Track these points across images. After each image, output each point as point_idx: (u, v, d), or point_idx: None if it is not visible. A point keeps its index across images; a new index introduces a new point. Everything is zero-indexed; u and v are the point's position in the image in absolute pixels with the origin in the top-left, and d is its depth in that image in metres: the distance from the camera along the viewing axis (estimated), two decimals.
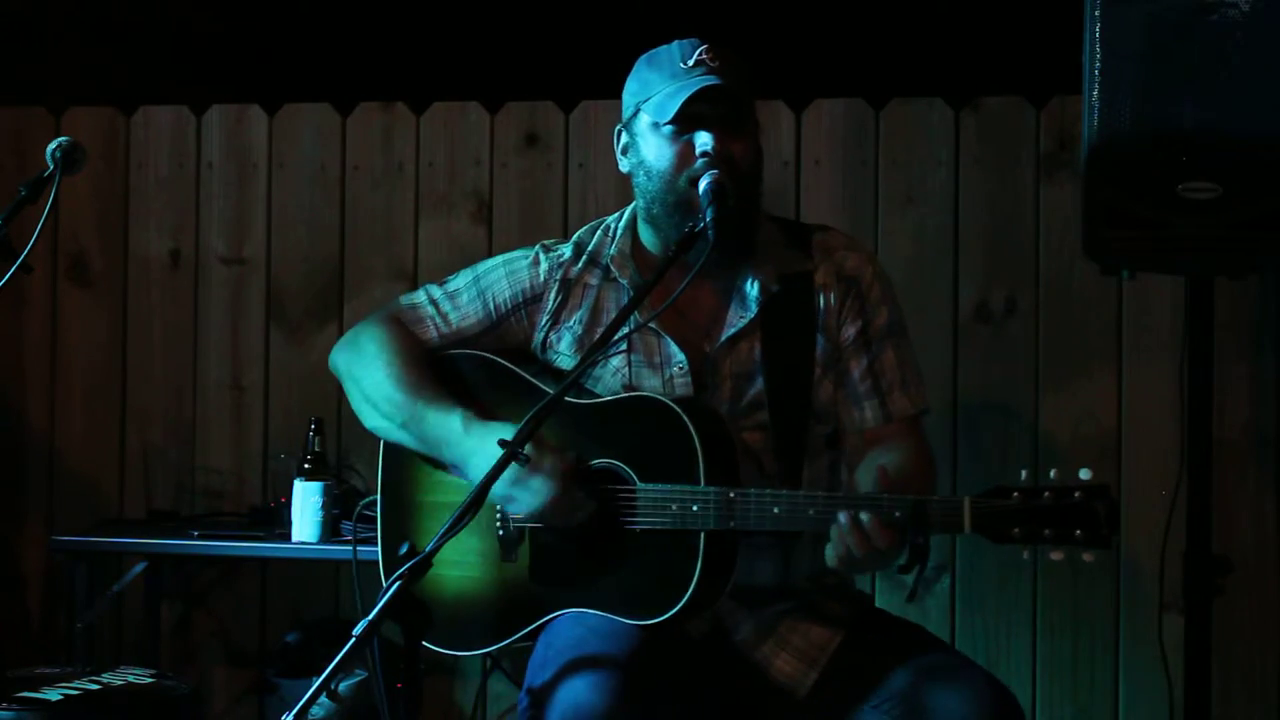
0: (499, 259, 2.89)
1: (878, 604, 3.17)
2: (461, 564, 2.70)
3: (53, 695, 3.00)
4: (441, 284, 2.89)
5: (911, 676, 2.54)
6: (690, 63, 2.67)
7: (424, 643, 2.56)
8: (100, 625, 3.90)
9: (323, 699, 2.27)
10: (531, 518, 2.63)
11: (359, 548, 2.88)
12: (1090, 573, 3.77)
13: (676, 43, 2.73)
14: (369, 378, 2.80)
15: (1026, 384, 3.82)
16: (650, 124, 2.70)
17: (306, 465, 3.62)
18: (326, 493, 3.60)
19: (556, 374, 2.77)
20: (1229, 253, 3.12)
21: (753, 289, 2.72)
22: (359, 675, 3.54)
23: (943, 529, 2.40)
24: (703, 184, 2.61)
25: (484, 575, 2.71)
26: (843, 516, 2.41)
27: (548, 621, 2.63)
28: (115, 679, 3.14)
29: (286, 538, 3.63)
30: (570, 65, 4.05)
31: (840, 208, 3.86)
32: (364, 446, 4.05)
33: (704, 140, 2.64)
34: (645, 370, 2.73)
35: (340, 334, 4.06)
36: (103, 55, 4.23)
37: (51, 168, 2.77)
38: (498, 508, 2.68)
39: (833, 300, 2.73)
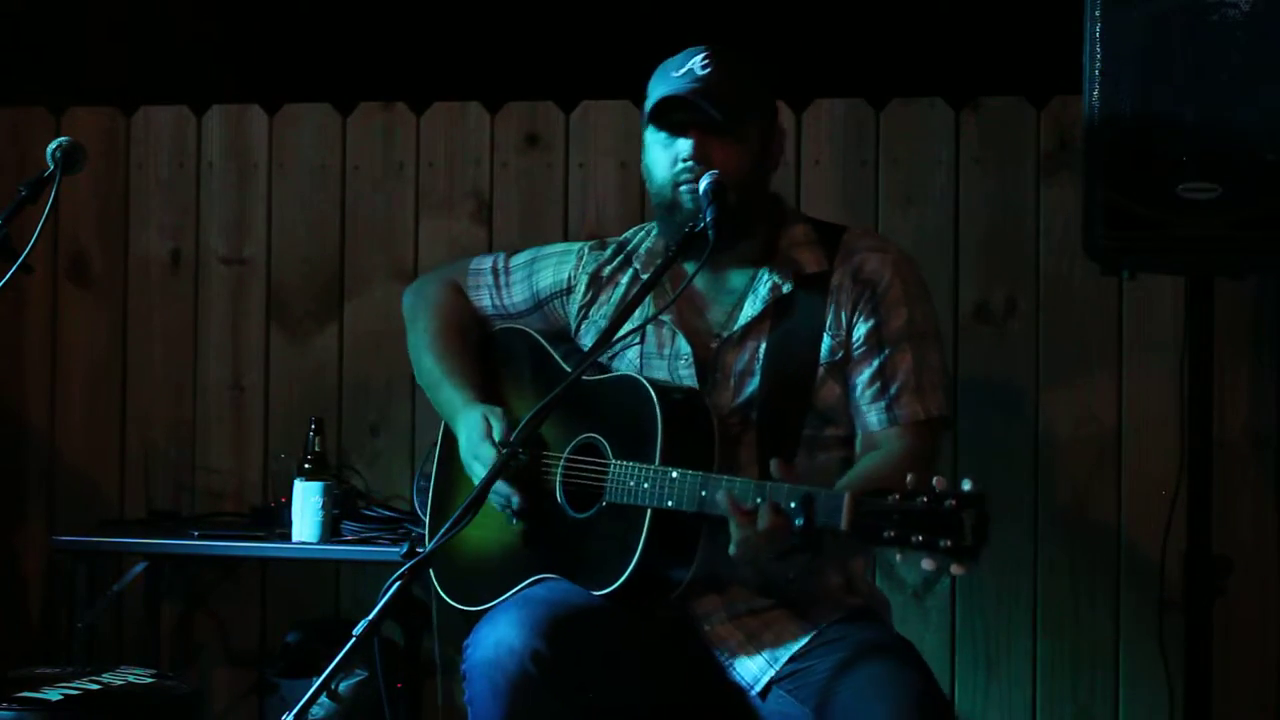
0: (559, 247, 3.03)
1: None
2: (482, 523, 2.78)
3: (53, 695, 3.00)
4: (510, 255, 3.04)
5: (843, 678, 2.54)
6: (680, 71, 2.73)
7: (443, 594, 2.84)
8: (100, 625, 3.90)
9: (323, 699, 2.27)
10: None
11: (357, 548, 2.89)
12: (1090, 573, 3.78)
13: (685, 51, 2.78)
14: (416, 335, 3.03)
15: (1026, 384, 3.82)
16: (650, 130, 2.78)
17: (306, 465, 3.62)
18: (326, 493, 3.60)
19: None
20: (1229, 253, 3.12)
21: (765, 288, 2.75)
22: (359, 675, 3.55)
23: (825, 523, 2.34)
24: (702, 184, 2.67)
25: (494, 535, 2.81)
26: (723, 497, 2.45)
27: (531, 584, 2.71)
28: (115, 679, 3.14)
29: (286, 538, 3.63)
30: (570, 65, 4.05)
31: (840, 208, 3.86)
32: (364, 446, 4.06)
33: (683, 146, 2.71)
34: (655, 361, 2.80)
35: (341, 334, 4.10)
36: (103, 55, 4.23)
37: (51, 168, 2.77)
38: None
39: (845, 302, 2.74)
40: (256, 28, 4.17)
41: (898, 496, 2.23)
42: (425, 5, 4.11)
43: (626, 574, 2.58)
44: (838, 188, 3.91)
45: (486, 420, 2.78)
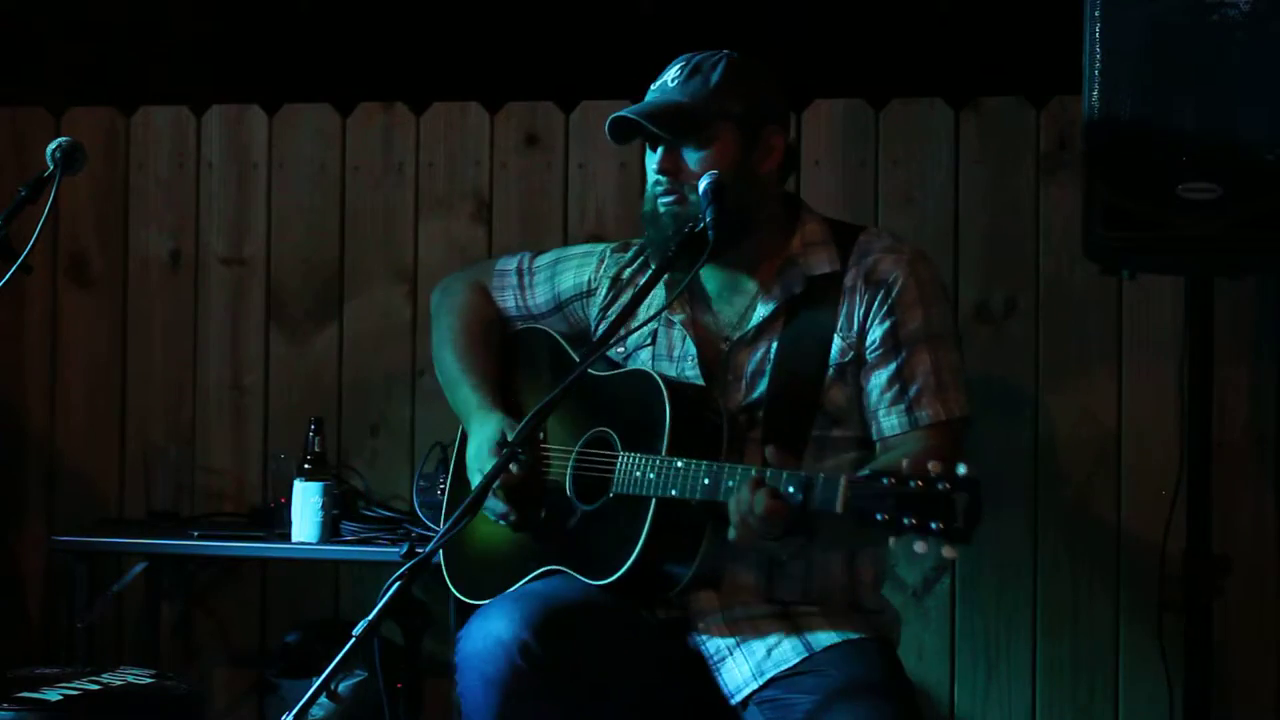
0: (582, 249, 3.04)
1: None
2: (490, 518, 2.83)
3: (53, 695, 3.00)
4: (534, 256, 3.06)
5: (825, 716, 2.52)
6: (657, 83, 2.78)
7: (453, 589, 2.86)
8: (100, 625, 3.90)
9: (323, 699, 2.27)
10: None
11: (357, 548, 2.91)
12: (1090, 573, 3.78)
13: (676, 58, 2.80)
14: (439, 333, 3.05)
15: (1026, 384, 3.82)
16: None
17: (306, 465, 3.62)
18: (326, 493, 3.60)
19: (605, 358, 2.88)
20: (1229, 253, 3.12)
21: (777, 288, 2.75)
22: (359, 675, 3.55)
23: (821, 505, 2.34)
24: (702, 184, 2.67)
25: (503, 530, 2.82)
26: (733, 483, 2.45)
27: (535, 578, 2.72)
28: (115, 679, 3.14)
29: (286, 538, 3.63)
30: (570, 65, 4.05)
31: (840, 208, 3.85)
32: (364, 446, 4.06)
33: (652, 159, 2.74)
34: (664, 363, 2.80)
35: (340, 334, 4.10)
36: (103, 55, 4.23)
37: (51, 168, 2.77)
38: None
39: (859, 303, 2.71)
40: (256, 28, 4.18)
41: (892, 479, 2.21)
42: (425, 5, 4.11)
43: (628, 564, 2.58)
44: (838, 188, 3.91)
45: (503, 434, 2.77)
